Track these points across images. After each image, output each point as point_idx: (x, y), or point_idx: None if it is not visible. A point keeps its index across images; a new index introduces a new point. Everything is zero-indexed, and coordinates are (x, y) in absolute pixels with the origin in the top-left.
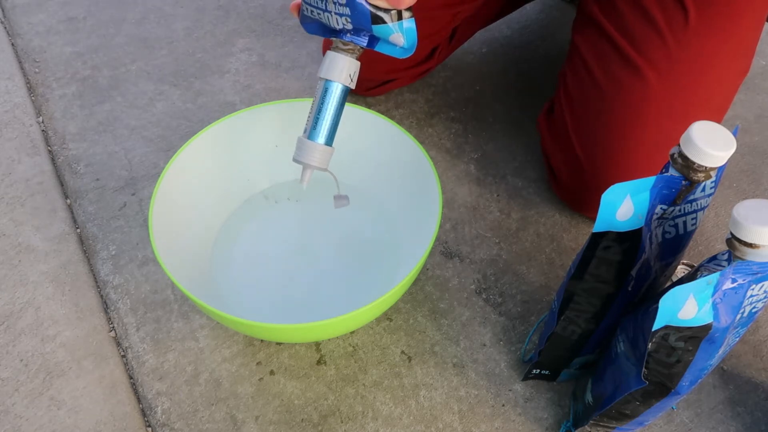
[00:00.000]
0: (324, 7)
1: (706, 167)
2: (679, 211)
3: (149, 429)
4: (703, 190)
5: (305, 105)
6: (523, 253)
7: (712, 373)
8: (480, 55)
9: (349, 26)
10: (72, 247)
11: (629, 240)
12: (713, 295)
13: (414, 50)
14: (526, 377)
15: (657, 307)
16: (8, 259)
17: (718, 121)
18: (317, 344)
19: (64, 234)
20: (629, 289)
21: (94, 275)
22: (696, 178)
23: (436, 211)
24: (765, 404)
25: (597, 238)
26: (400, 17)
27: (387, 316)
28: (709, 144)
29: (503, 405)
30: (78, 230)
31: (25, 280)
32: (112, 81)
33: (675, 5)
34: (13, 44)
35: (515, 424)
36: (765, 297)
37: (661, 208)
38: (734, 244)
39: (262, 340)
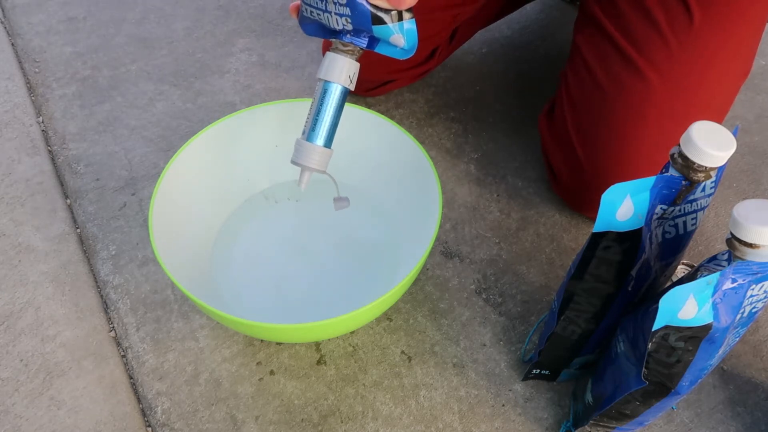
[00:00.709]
0: (324, 8)
1: (706, 167)
2: (679, 211)
3: (149, 429)
4: (703, 190)
5: (305, 105)
6: (523, 253)
7: (712, 373)
8: (480, 55)
9: (349, 27)
10: (72, 247)
11: (629, 240)
12: (713, 295)
13: (414, 52)
14: (526, 377)
15: (657, 307)
16: (8, 259)
17: (719, 122)
18: (317, 344)
19: (64, 234)
20: (629, 289)
21: (94, 275)
22: (696, 178)
23: (436, 211)
24: (765, 404)
25: (597, 238)
26: (400, 18)
27: (387, 316)
28: (709, 144)
29: (503, 405)
30: (78, 230)
31: (25, 280)
32: (112, 81)
33: (677, 6)
34: (13, 44)
35: (515, 424)
36: (765, 297)
37: (661, 208)
38: (734, 244)
39: (262, 340)
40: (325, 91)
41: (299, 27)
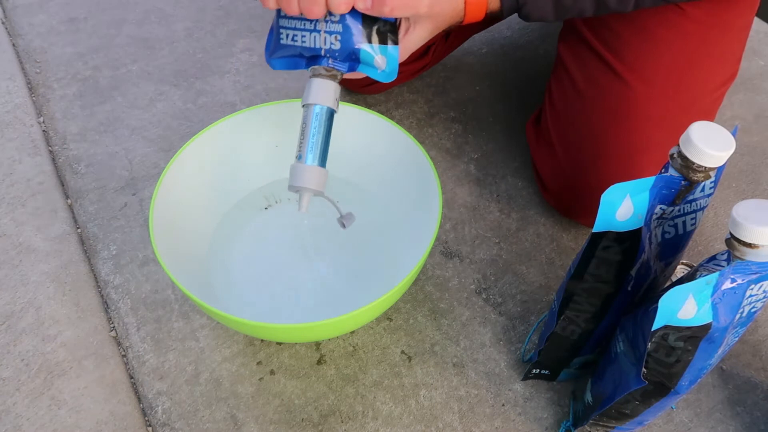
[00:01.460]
0: (312, 27)
1: (705, 167)
2: (679, 211)
3: (150, 429)
4: (703, 190)
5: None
6: (523, 253)
7: (712, 373)
8: (480, 56)
9: (337, 45)
10: (73, 247)
11: (629, 240)
12: (712, 295)
13: (395, 76)
14: (526, 377)
15: (656, 307)
16: (9, 259)
17: None
18: (317, 344)
19: (64, 234)
20: (629, 289)
21: (94, 275)
22: (695, 178)
23: (436, 211)
24: (764, 404)
25: (597, 238)
26: (384, 41)
27: (387, 316)
28: (709, 144)
29: (503, 405)
30: (79, 230)
31: (26, 280)
32: (113, 81)
33: (658, 12)
34: (14, 45)
35: (515, 423)
36: (764, 297)
37: (660, 208)
38: (733, 244)
39: (262, 340)
40: (315, 114)
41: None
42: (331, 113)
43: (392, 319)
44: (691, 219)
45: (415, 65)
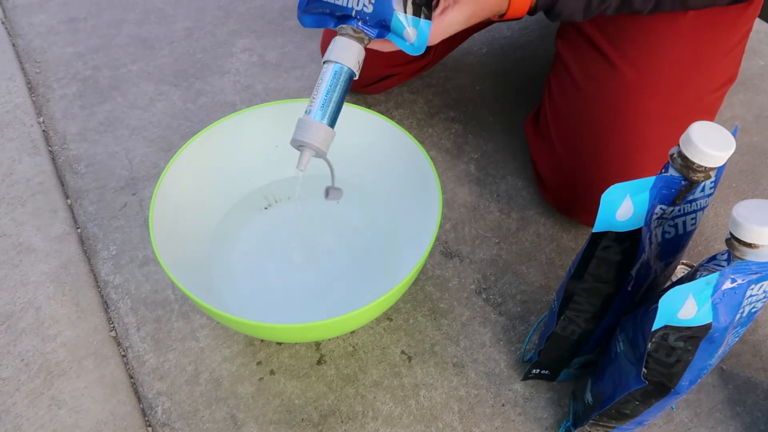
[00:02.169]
0: None
1: (705, 167)
2: (679, 211)
3: (150, 428)
4: (703, 190)
5: (305, 105)
6: (523, 253)
7: (712, 373)
8: (480, 56)
9: (369, 8)
10: (72, 247)
11: (629, 240)
12: (713, 295)
13: (422, 51)
14: (526, 377)
15: (656, 307)
16: (9, 259)
17: None
18: (317, 344)
19: (64, 234)
20: (629, 289)
21: (94, 275)
22: (695, 178)
23: (436, 211)
24: (764, 404)
25: (597, 238)
26: (418, 14)
27: (387, 316)
28: (709, 144)
29: (503, 405)
30: (78, 230)
31: (26, 280)
32: (113, 81)
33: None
34: (14, 45)
35: (515, 423)
36: (764, 297)
37: (660, 208)
38: (733, 244)
39: (262, 340)
40: (335, 72)
41: (300, 27)
42: (350, 75)
43: (392, 319)
44: (691, 219)
45: (415, 65)
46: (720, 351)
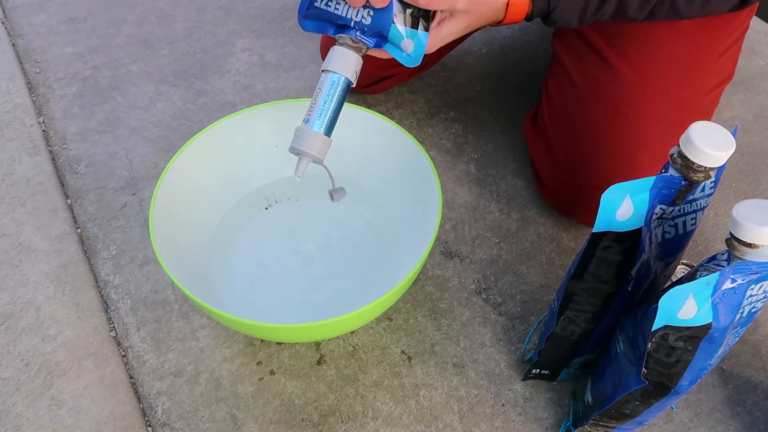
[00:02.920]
0: None
1: (705, 167)
2: (679, 211)
3: (150, 428)
4: (703, 190)
5: (305, 105)
6: (523, 253)
7: (712, 373)
8: (480, 56)
9: (368, 20)
10: (72, 247)
11: (629, 240)
12: (713, 295)
13: (419, 63)
14: (526, 377)
15: (656, 307)
16: (9, 259)
17: None
18: (317, 344)
19: (64, 234)
20: (629, 289)
21: (94, 275)
22: (695, 178)
23: (436, 211)
24: (764, 404)
25: (597, 238)
26: (415, 26)
27: (387, 316)
28: (709, 144)
29: (503, 405)
30: (78, 230)
31: (26, 280)
32: (113, 81)
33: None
34: (14, 45)
35: (515, 423)
36: (764, 297)
37: (660, 208)
38: (733, 244)
39: (262, 340)
40: (332, 82)
41: (299, 26)
42: (347, 84)
43: (392, 319)
44: (691, 219)
45: None
46: (720, 351)
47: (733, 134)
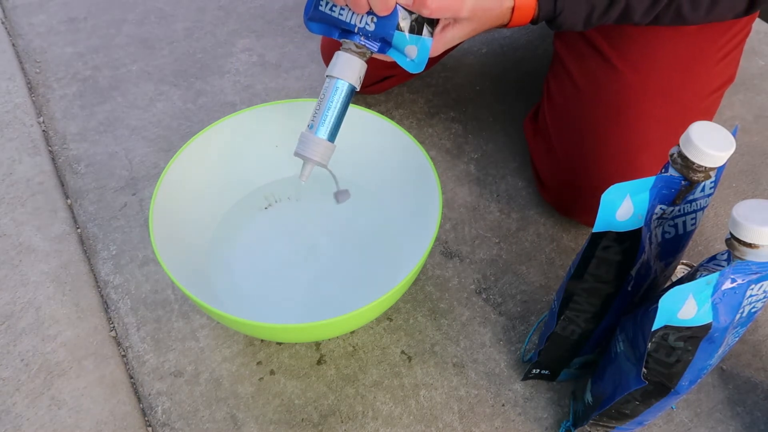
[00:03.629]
0: None
1: (705, 167)
2: (679, 211)
3: (150, 429)
4: (703, 190)
5: (305, 105)
6: (523, 253)
7: (712, 373)
8: (480, 56)
9: (371, 27)
10: (72, 247)
11: (629, 240)
12: (713, 295)
13: (422, 68)
14: (526, 377)
15: (656, 307)
16: (9, 259)
17: None
18: (317, 344)
19: (64, 234)
20: (629, 289)
21: (94, 275)
22: (695, 179)
23: (436, 211)
24: (764, 404)
25: (597, 238)
26: (420, 32)
27: (387, 316)
28: (709, 144)
29: (503, 405)
30: (78, 230)
31: (26, 280)
32: (113, 81)
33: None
34: (14, 45)
35: (515, 423)
36: (764, 297)
37: (660, 208)
38: (733, 244)
39: (262, 340)
40: (336, 88)
41: (300, 27)
42: (351, 90)
43: (392, 319)
44: (691, 219)
45: None
46: (720, 351)
47: (733, 134)
